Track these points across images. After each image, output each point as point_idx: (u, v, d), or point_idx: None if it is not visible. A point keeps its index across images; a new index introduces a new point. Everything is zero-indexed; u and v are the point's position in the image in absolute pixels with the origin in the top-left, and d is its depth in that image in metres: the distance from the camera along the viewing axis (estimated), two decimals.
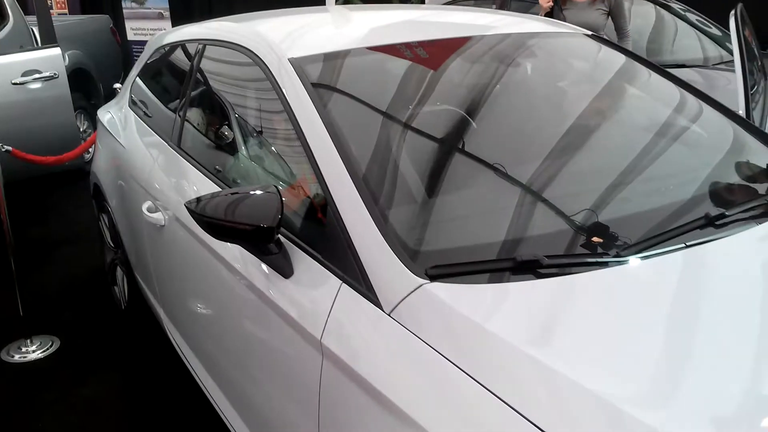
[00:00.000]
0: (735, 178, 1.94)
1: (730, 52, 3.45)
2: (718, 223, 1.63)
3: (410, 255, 1.44)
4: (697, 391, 1.15)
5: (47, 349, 3.26)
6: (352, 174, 1.59)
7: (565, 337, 1.30)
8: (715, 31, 5.47)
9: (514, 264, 1.43)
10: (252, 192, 1.63)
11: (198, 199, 1.65)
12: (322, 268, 1.57)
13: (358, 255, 1.47)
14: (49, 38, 5.09)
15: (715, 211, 1.66)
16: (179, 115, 2.65)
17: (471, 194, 1.72)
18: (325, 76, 1.99)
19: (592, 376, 1.16)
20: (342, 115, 1.79)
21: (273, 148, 2.08)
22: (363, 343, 1.40)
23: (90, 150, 4.71)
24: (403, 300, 1.36)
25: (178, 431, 2.67)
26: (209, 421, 2.32)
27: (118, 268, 3.50)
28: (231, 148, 2.29)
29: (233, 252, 1.86)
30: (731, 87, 2.95)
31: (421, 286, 1.36)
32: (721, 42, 5.31)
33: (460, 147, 1.88)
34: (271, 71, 1.98)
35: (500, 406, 1.13)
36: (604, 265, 1.45)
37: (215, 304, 2.12)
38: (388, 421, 1.27)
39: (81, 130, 5.94)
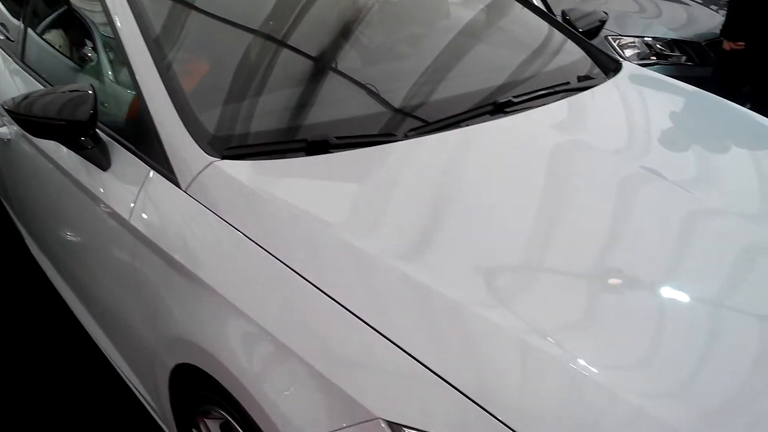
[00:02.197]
0: (530, 72, 2.14)
1: None
2: (507, 110, 1.84)
3: (206, 137, 1.57)
4: (464, 243, 1.35)
5: None
6: (158, 67, 1.68)
7: (350, 206, 1.48)
8: None
9: (306, 144, 1.58)
10: (66, 90, 1.70)
11: (14, 99, 1.71)
12: (135, 158, 1.68)
13: (161, 141, 1.59)
14: None
15: (504, 97, 1.87)
16: (21, 29, 2.63)
17: (272, 85, 1.84)
18: None
19: (368, 238, 1.35)
20: (155, 14, 1.86)
21: (100, 52, 2.13)
22: (164, 221, 1.54)
23: None
24: (196, 177, 1.50)
25: (33, 327, 2.74)
26: (62, 315, 2.43)
27: None
28: (67, 56, 2.33)
29: (59, 152, 1.93)
30: None
31: (211, 163, 1.50)
32: None
33: (263, 42, 1.99)
34: None
35: (282, 268, 1.30)
36: (391, 142, 1.63)
37: (56, 209, 2.20)
38: (192, 289, 1.42)
39: None
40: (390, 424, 1.06)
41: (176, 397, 1.60)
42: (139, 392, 1.90)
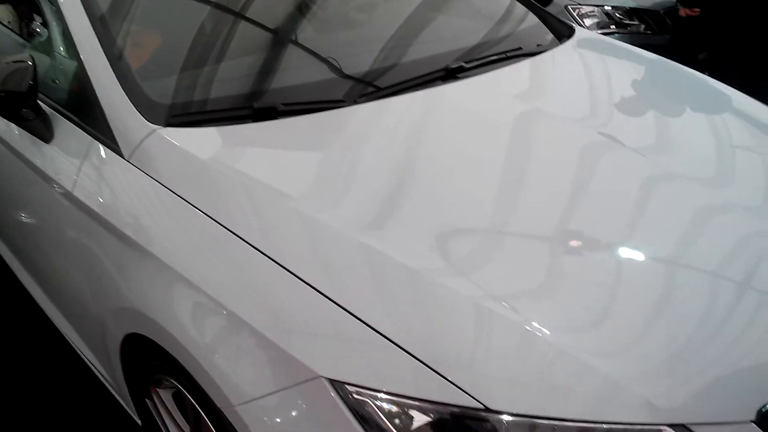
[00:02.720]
0: (482, 38, 2.14)
1: None
2: (459, 75, 1.84)
3: (149, 105, 1.54)
4: (413, 206, 1.37)
5: None
6: (99, 36, 1.64)
7: (298, 172, 1.46)
8: None
9: (252, 111, 1.57)
10: (5, 62, 1.66)
11: None
12: (78, 129, 1.64)
13: (103, 110, 1.56)
14: None
15: (456, 64, 1.87)
16: None
17: (219, 52, 1.81)
18: None
19: (317, 204, 1.35)
20: None
21: (47, 25, 2.07)
22: (107, 191, 1.52)
23: None
24: (138, 145, 1.47)
25: None
26: (14, 292, 2.40)
27: None
28: (13, 31, 2.26)
29: (2, 125, 1.89)
30: None
31: (154, 131, 1.48)
32: None
33: (209, 9, 1.95)
34: None
35: (226, 233, 1.29)
36: (340, 107, 1.62)
37: (2, 183, 2.15)
38: (137, 258, 1.40)
39: None
40: (331, 382, 1.07)
41: (129, 369, 1.59)
42: (93, 366, 1.88)
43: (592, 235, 1.33)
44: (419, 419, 1.06)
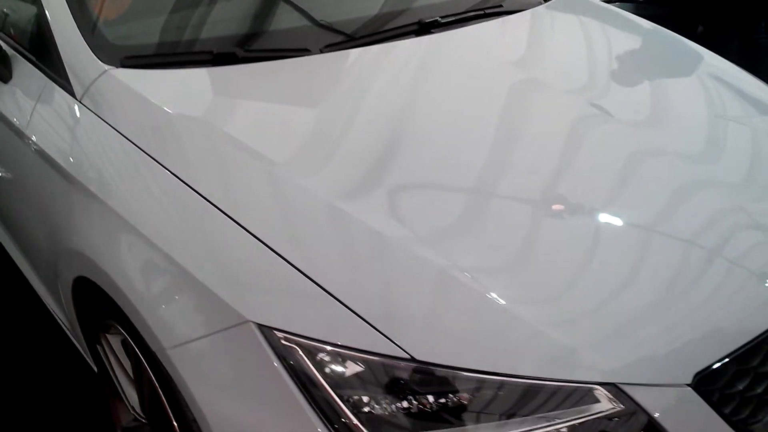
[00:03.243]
0: None
1: None
2: (433, 30, 1.79)
3: (103, 45, 1.50)
4: (359, 154, 1.34)
5: None
6: None
7: (254, 119, 1.43)
8: None
9: (212, 56, 1.52)
10: None
11: None
12: (35, 69, 1.61)
13: (59, 49, 1.52)
14: None
15: (431, 17, 1.81)
16: None
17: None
18: None
19: (265, 151, 1.31)
20: None
21: None
22: (58, 132, 1.49)
23: None
24: (89, 86, 1.44)
25: None
26: None
27: None
28: None
29: None
30: None
31: (106, 71, 1.44)
32: None
33: None
34: None
35: (171, 178, 1.25)
36: (305, 55, 1.58)
37: None
38: (84, 201, 1.38)
39: None
40: (260, 327, 1.05)
41: (81, 314, 1.58)
42: (54, 312, 1.88)
43: (551, 201, 1.29)
44: (349, 369, 1.04)
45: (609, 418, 1.02)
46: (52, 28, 1.54)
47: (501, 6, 1.99)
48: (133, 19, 1.64)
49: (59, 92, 1.50)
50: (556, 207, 1.27)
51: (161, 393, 1.25)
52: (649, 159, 1.42)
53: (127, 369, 1.50)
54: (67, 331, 1.84)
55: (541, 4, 2.09)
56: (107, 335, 1.52)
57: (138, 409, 1.50)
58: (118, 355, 1.51)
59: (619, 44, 1.97)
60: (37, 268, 1.82)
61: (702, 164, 1.45)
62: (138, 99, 1.41)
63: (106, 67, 1.45)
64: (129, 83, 1.42)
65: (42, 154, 1.49)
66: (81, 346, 1.74)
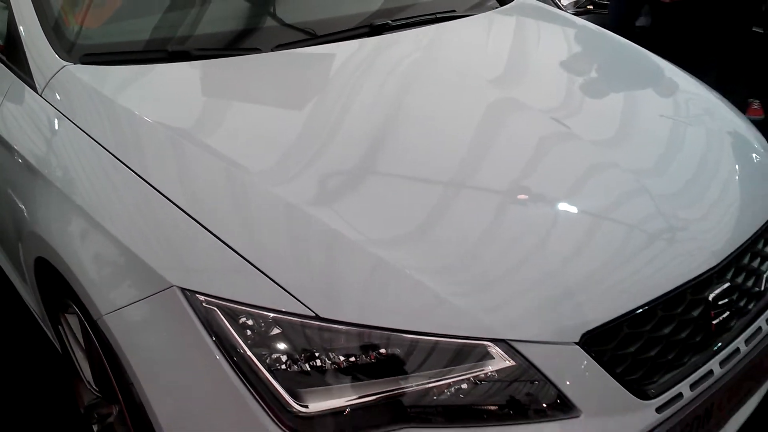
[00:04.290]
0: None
1: None
2: (385, 32, 1.90)
3: (64, 42, 1.63)
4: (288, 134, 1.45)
5: None
6: None
7: (201, 112, 1.54)
8: None
9: (166, 54, 1.64)
10: None
11: None
12: (4, 66, 1.73)
13: (24, 47, 1.64)
14: None
15: (381, 21, 1.92)
16: None
17: None
18: None
19: (203, 137, 1.43)
20: None
21: None
22: (20, 123, 1.61)
23: None
24: (49, 81, 1.56)
25: None
26: None
27: None
28: None
29: None
30: None
31: (64, 67, 1.55)
32: None
33: None
34: None
35: (114, 159, 1.36)
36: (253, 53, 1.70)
37: None
38: (42, 187, 1.48)
39: None
40: (183, 290, 1.15)
41: (44, 295, 1.67)
42: (23, 296, 1.97)
43: (458, 183, 1.38)
44: (265, 329, 1.12)
45: (503, 374, 1.11)
46: (18, 27, 1.66)
47: (454, 11, 2.11)
48: (93, 19, 1.76)
49: (24, 87, 1.62)
50: (466, 189, 1.37)
51: (105, 361, 1.34)
52: (557, 143, 1.52)
53: (82, 345, 1.60)
54: (34, 313, 1.94)
55: (493, 9, 2.20)
56: (66, 315, 1.61)
57: (93, 384, 1.59)
58: (76, 334, 1.61)
59: (558, 43, 2.08)
60: (9, 255, 1.93)
61: (609, 149, 1.53)
62: (92, 92, 1.52)
63: (64, 63, 1.56)
64: (85, 78, 1.54)
65: (7, 145, 1.60)
66: (48, 330, 1.84)
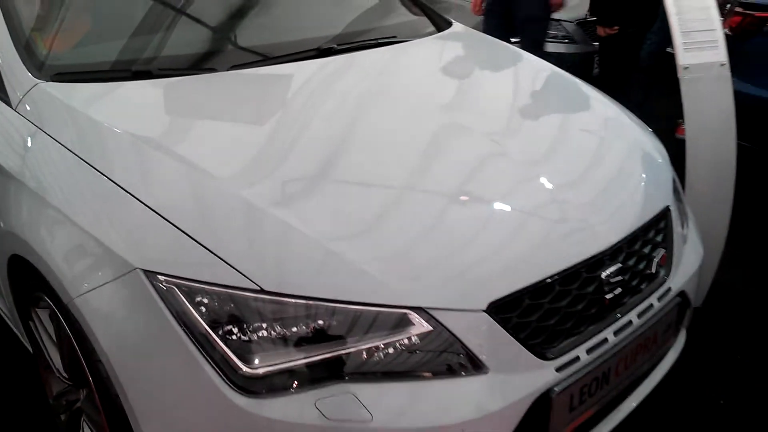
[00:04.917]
0: (363, 26, 2.42)
1: None
2: (331, 54, 2.12)
3: (36, 61, 1.81)
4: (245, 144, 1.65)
5: None
6: None
7: (161, 122, 1.73)
8: None
9: (130, 74, 1.83)
10: None
11: None
12: None
13: (1, 67, 1.81)
14: None
15: (328, 44, 2.14)
16: None
17: (108, 15, 2.09)
18: None
19: (168, 142, 1.62)
20: None
21: None
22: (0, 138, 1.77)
23: None
24: (22, 98, 1.73)
25: None
26: None
27: None
28: None
29: None
30: None
31: (36, 84, 1.73)
32: None
33: None
34: None
35: (91, 171, 1.52)
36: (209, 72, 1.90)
37: None
38: (19, 190, 1.64)
39: None
40: (145, 272, 1.32)
41: (16, 292, 1.81)
42: None
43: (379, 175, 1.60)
44: (219, 305, 1.29)
45: (422, 337, 1.30)
46: None
47: (395, 36, 2.34)
48: (64, 40, 1.94)
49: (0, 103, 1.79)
50: (390, 181, 1.59)
51: (75, 344, 1.49)
52: (458, 140, 1.77)
53: (52, 337, 1.74)
54: (4, 316, 2.07)
55: (431, 35, 2.45)
56: (37, 309, 1.76)
57: (63, 372, 1.73)
58: (46, 327, 1.75)
59: (488, 64, 2.33)
60: None
61: (498, 142, 1.78)
62: (62, 105, 1.70)
63: (36, 81, 1.74)
64: (56, 93, 1.72)
65: None
66: (17, 327, 1.97)
